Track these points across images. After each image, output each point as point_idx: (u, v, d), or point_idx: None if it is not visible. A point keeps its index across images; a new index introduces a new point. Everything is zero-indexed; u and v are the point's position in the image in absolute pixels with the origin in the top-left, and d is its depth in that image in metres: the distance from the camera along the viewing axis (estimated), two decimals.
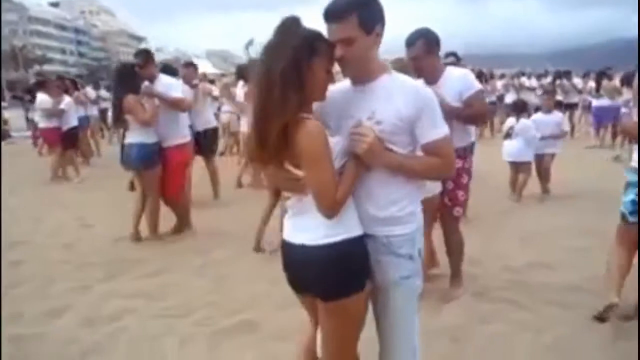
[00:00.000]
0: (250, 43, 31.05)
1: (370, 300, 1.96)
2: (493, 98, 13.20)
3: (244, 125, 7.43)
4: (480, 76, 10.80)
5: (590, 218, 5.34)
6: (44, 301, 3.84)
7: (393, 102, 1.82)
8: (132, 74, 4.83)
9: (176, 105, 4.95)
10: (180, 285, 4.06)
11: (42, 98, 8.56)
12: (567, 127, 6.84)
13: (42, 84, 8.95)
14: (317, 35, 1.77)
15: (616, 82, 11.50)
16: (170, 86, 4.99)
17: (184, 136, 5.17)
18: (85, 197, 7.37)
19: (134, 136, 4.83)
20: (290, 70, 1.68)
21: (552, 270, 4.08)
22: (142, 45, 59.45)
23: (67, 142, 8.67)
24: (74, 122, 8.82)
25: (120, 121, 4.86)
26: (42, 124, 8.77)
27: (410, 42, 3.38)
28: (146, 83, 4.86)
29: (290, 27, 1.75)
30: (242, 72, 9.17)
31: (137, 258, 4.69)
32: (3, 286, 4.14)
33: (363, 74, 1.87)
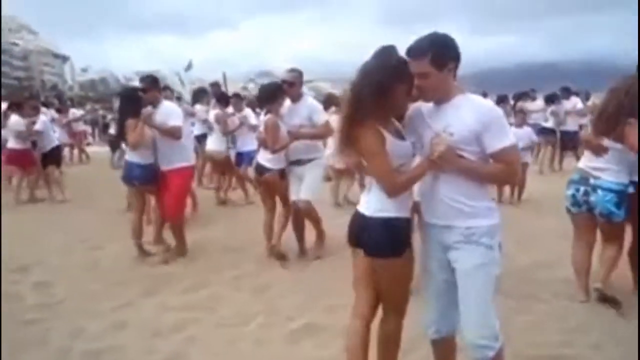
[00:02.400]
0: (189, 66, 30.75)
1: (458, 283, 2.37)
2: None
3: (210, 145, 7.92)
4: None
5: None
6: (97, 317, 3.95)
7: (462, 118, 2.24)
8: (135, 98, 5.07)
9: (170, 134, 5.02)
10: (224, 298, 4.29)
11: (15, 119, 8.40)
12: (535, 138, 7.96)
13: (16, 105, 8.77)
14: (404, 64, 2.26)
15: (539, 102, 12.79)
16: (170, 113, 5.10)
17: (187, 160, 5.27)
18: (74, 218, 7.30)
19: (133, 155, 5.16)
20: (377, 90, 2.23)
21: (554, 268, 4.70)
22: (67, 65, 56.83)
23: (51, 162, 8.56)
24: (55, 142, 8.76)
25: (123, 141, 5.26)
26: (12, 144, 8.45)
27: None
28: (149, 108, 5.00)
29: (385, 54, 2.28)
30: (199, 96, 9.50)
31: (166, 274, 4.84)
32: (40, 304, 4.24)
33: (438, 98, 2.31)
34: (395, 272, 2.46)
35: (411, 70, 2.24)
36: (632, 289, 4.03)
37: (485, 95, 15.55)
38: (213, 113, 7.94)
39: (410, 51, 2.24)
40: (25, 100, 9.09)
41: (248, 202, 7.94)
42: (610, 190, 3.69)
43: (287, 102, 5.01)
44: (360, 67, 2.30)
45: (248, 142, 7.71)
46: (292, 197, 5.05)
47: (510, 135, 2.27)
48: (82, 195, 8.84)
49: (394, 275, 2.47)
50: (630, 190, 3.73)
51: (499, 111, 2.30)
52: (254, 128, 7.47)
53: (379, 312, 2.62)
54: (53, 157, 8.62)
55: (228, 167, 8.01)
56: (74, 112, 15.15)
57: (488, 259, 2.30)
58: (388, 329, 2.60)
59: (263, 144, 5.01)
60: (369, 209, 2.42)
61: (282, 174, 5.05)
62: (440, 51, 2.22)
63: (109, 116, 19.39)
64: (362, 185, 7.83)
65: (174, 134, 5.05)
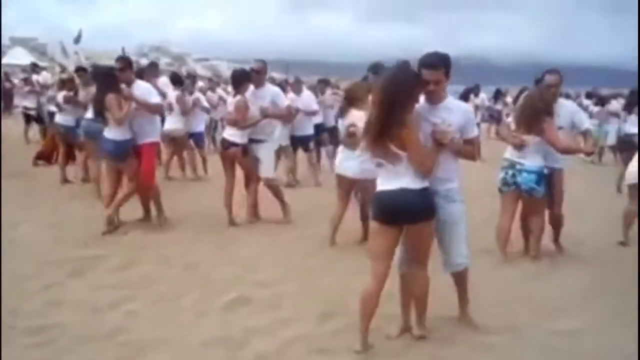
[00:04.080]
0: (79, 37, 28.95)
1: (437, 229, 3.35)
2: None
3: (170, 125, 8.20)
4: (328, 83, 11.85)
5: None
6: (29, 297, 4.02)
7: (455, 114, 3.27)
8: (114, 77, 5.54)
9: (155, 110, 5.72)
10: (157, 276, 4.51)
11: None
12: None
13: None
14: (419, 75, 3.15)
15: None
16: (148, 92, 5.67)
17: (157, 135, 5.99)
18: None
19: (111, 132, 5.52)
20: (407, 95, 3.07)
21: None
22: None
23: None
24: None
25: (102, 116, 5.58)
26: None
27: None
28: (123, 86, 5.47)
29: (407, 66, 3.17)
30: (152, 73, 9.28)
31: (92, 255, 4.90)
32: None
33: (438, 99, 3.28)
34: (430, 232, 3.27)
35: (425, 78, 3.14)
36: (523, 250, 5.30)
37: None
38: (173, 94, 8.23)
39: (429, 64, 3.16)
40: None
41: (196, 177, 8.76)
42: (532, 172, 4.82)
43: (251, 87, 5.87)
44: (388, 78, 3.16)
45: (199, 123, 8.80)
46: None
47: (476, 127, 3.59)
48: None
49: (428, 234, 3.27)
50: (545, 171, 4.90)
51: (472, 111, 3.69)
52: (206, 110, 9.04)
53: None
54: None
55: (185, 145, 8.57)
56: None
57: (460, 209, 3.42)
58: (423, 282, 3.38)
59: (232, 122, 5.80)
60: (409, 183, 3.11)
61: (245, 149, 5.82)
62: (449, 64, 3.22)
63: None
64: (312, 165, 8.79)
65: (157, 109, 5.77)
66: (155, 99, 5.68)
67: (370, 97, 4.56)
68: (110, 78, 5.53)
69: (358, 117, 4.65)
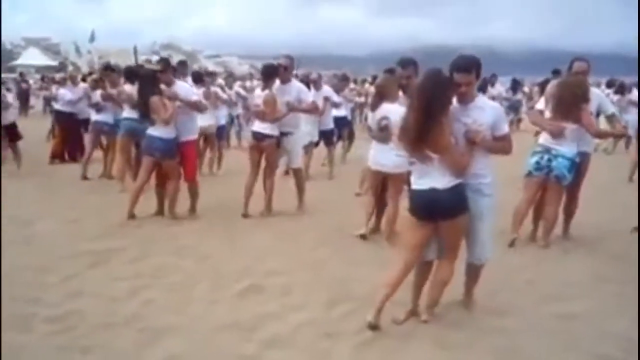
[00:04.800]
0: (92, 37, 29.50)
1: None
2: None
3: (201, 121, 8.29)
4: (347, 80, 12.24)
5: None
6: (50, 288, 4.17)
7: (485, 112, 3.43)
8: (154, 79, 5.77)
9: (196, 107, 6.01)
10: (170, 267, 4.65)
11: None
12: None
13: None
14: (451, 78, 3.32)
15: None
16: (188, 91, 6.07)
17: (196, 132, 6.31)
18: None
19: (158, 130, 5.75)
20: (442, 98, 3.25)
21: None
22: None
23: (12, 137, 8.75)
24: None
25: (147, 118, 5.81)
26: None
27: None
28: (162, 87, 5.73)
29: (440, 72, 3.33)
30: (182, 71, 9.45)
31: (107, 248, 5.06)
32: None
33: (469, 99, 3.44)
34: (465, 224, 3.42)
35: (457, 80, 3.30)
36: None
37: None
38: (199, 92, 8.29)
39: (460, 67, 3.33)
40: None
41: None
42: (567, 158, 4.95)
43: (277, 82, 6.05)
44: (423, 83, 3.32)
45: (222, 118, 9.14)
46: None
47: (506, 124, 3.63)
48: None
49: (463, 226, 3.42)
50: (577, 159, 5.03)
51: (501, 108, 3.75)
52: (228, 103, 9.67)
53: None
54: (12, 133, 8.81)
55: (212, 141, 8.76)
56: None
57: (490, 204, 3.51)
58: (448, 272, 3.55)
59: (260, 115, 5.92)
60: (438, 183, 3.28)
61: (278, 141, 6.05)
62: (479, 66, 3.40)
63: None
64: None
65: (199, 107, 6.08)
66: (195, 97, 6.02)
67: (399, 91, 4.93)
68: (151, 80, 5.76)
69: (391, 111, 4.79)
